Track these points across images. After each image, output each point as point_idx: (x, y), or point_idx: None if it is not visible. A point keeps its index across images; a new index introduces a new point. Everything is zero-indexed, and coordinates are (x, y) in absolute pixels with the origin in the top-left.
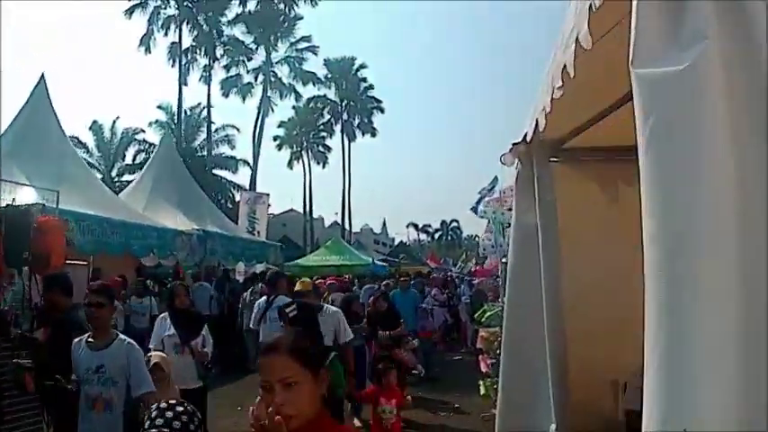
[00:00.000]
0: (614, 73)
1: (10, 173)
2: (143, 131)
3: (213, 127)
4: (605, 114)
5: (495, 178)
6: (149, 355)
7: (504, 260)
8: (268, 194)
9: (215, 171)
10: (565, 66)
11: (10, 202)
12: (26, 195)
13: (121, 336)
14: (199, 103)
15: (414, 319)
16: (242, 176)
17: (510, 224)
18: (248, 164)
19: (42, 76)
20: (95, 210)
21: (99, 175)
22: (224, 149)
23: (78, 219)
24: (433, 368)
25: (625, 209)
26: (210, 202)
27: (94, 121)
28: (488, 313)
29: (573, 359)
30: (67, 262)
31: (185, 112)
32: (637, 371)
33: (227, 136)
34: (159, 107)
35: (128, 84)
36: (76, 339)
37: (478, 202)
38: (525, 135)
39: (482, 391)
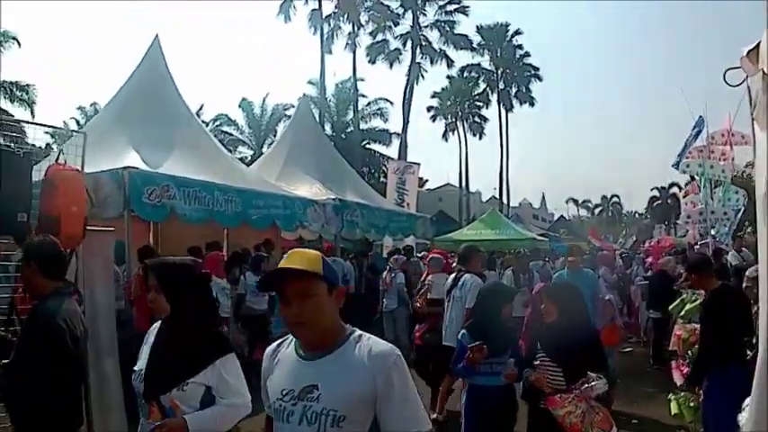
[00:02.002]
0: None
1: (113, 137)
2: (293, 107)
3: (366, 100)
4: None
5: (701, 119)
6: None
7: (713, 231)
8: (418, 164)
9: (368, 145)
10: None
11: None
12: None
13: None
14: (350, 77)
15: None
16: (396, 150)
17: (722, 180)
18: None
19: (156, 36)
20: (208, 176)
21: (250, 152)
22: (377, 123)
23: (181, 184)
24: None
25: None
26: (354, 171)
27: (243, 99)
28: (689, 305)
29: None
30: (90, 228)
31: (336, 86)
32: None
33: (379, 109)
34: (309, 82)
35: (277, 59)
36: None
37: (681, 155)
38: None
39: (673, 409)
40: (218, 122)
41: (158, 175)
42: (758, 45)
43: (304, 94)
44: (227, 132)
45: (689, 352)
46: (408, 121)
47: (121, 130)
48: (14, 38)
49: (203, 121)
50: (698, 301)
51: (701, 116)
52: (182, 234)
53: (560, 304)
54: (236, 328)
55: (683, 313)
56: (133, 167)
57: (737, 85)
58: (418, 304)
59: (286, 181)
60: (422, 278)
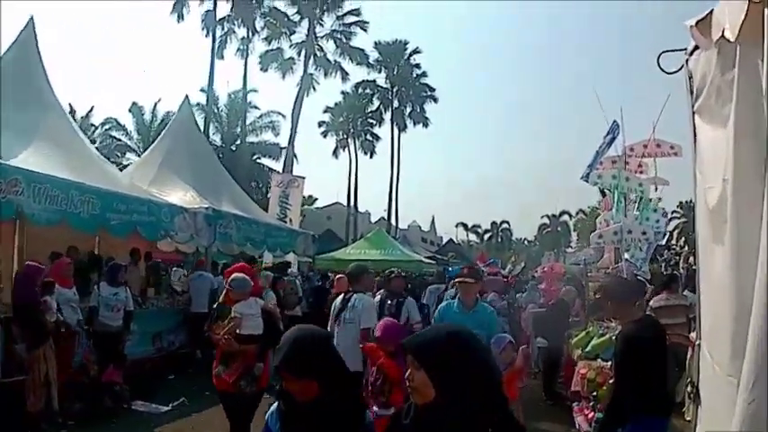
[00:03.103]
0: None
1: None
2: None
3: (258, 113)
4: None
5: (615, 124)
6: None
7: (627, 254)
8: (303, 178)
9: (258, 159)
10: None
11: None
12: None
13: None
14: (242, 88)
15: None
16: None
17: (639, 195)
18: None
19: (31, 19)
20: (65, 172)
21: (137, 158)
22: (268, 136)
23: (31, 179)
24: None
25: None
26: (235, 182)
27: (134, 103)
28: (596, 340)
29: None
30: None
31: (229, 96)
32: None
33: (271, 122)
34: (202, 90)
35: (172, 64)
36: None
37: (592, 165)
38: None
39: None
40: (106, 126)
41: (5, 167)
42: (710, 13)
43: (186, 97)
44: (115, 137)
45: (594, 393)
46: (296, 133)
47: None
48: None
49: (92, 125)
50: (607, 336)
51: (615, 121)
52: (52, 237)
53: (439, 375)
54: (86, 346)
55: (588, 348)
56: None
57: (675, 72)
58: (222, 340)
59: (159, 186)
60: (218, 302)
